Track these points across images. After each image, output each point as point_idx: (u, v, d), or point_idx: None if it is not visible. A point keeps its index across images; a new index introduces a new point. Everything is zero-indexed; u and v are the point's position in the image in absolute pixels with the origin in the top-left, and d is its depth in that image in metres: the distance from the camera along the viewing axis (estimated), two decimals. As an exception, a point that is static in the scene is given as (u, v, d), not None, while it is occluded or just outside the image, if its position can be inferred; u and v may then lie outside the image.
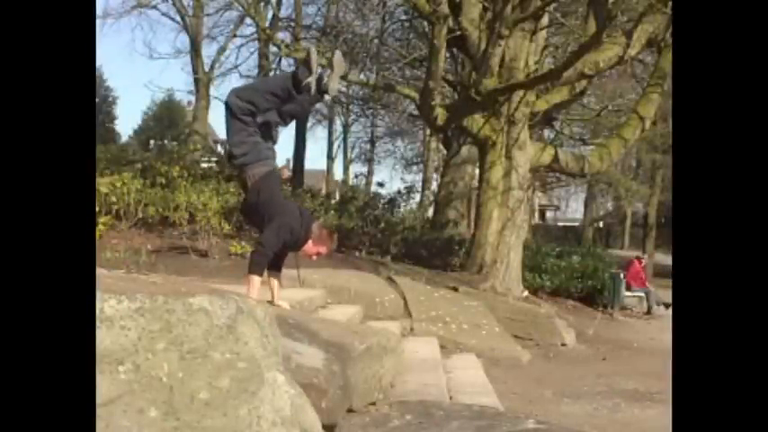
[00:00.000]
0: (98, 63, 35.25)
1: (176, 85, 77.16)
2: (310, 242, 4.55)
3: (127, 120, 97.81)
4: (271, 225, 4.41)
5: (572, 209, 43.54)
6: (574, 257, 13.86)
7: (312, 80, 4.48)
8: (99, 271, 2.34)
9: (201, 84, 22.68)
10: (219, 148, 15.86)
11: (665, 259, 23.06)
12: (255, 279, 4.39)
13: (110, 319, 1.94)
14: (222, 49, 23.01)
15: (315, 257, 4.81)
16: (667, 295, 12.91)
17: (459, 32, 10.88)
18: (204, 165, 14.87)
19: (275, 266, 4.68)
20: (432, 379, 4.51)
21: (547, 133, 16.55)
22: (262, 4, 16.82)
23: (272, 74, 24.04)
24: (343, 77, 4.63)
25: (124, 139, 33.17)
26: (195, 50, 22.54)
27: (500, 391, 4.81)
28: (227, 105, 4.51)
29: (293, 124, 26.52)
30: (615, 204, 39.35)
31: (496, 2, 10.57)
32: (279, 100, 4.49)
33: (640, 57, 12.64)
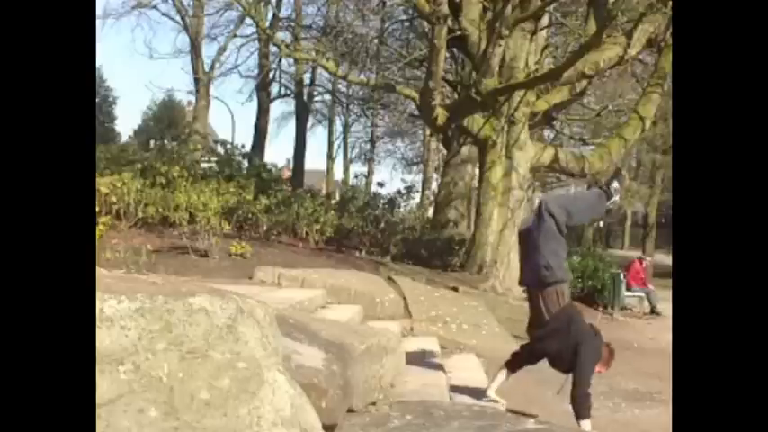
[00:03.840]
0: (98, 63, 35.30)
1: (176, 85, 77.40)
2: None
3: (127, 120, 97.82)
4: (584, 359, 4.18)
5: (572, 209, 43.48)
6: (574, 257, 13.85)
7: (617, 200, 4.55)
8: (99, 271, 2.33)
9: (201, 84, 22.74)
10: (219, 148, 15.86)
11: (665, 259, 23.04)
12: (587, 422, 4.10)
13: (110, 319, 1.94)
14: (222, 49, 23.11)
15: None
16: (667, 295, 12.89)
17: (459, 32, 10.89)
18: (204, 165, 14.85)
19: (517, 364, 4.60)
20: (432, 379, 4.51)
21: (547, 133, 16.56)
22: (262, 4, 16.82)
23: (272, 74, 24.11)
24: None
25: (124, 139, 33.18)
26: (195, 50, 22.61)
27: (500, 390, 4.81)
28: (551, 215, 4.19)
29: (293, 124, 26.41)
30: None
31: (496, 2, 10.58)
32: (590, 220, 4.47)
33: (640, 57, 12.64)
